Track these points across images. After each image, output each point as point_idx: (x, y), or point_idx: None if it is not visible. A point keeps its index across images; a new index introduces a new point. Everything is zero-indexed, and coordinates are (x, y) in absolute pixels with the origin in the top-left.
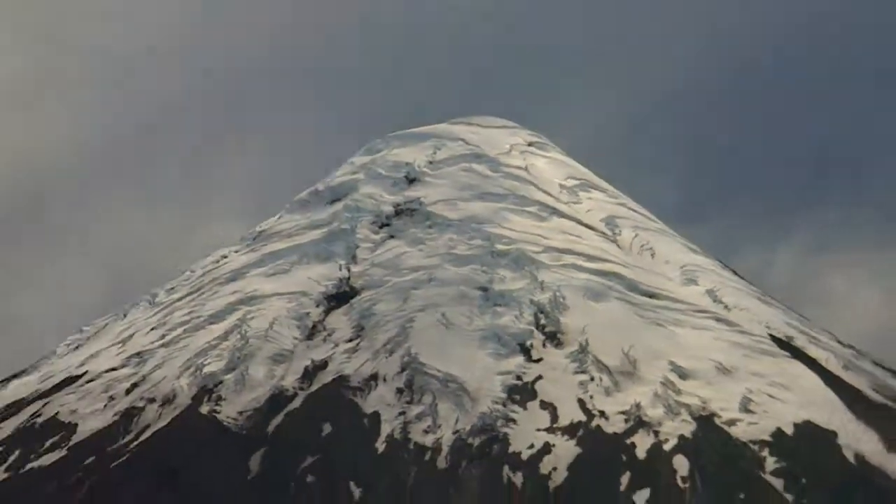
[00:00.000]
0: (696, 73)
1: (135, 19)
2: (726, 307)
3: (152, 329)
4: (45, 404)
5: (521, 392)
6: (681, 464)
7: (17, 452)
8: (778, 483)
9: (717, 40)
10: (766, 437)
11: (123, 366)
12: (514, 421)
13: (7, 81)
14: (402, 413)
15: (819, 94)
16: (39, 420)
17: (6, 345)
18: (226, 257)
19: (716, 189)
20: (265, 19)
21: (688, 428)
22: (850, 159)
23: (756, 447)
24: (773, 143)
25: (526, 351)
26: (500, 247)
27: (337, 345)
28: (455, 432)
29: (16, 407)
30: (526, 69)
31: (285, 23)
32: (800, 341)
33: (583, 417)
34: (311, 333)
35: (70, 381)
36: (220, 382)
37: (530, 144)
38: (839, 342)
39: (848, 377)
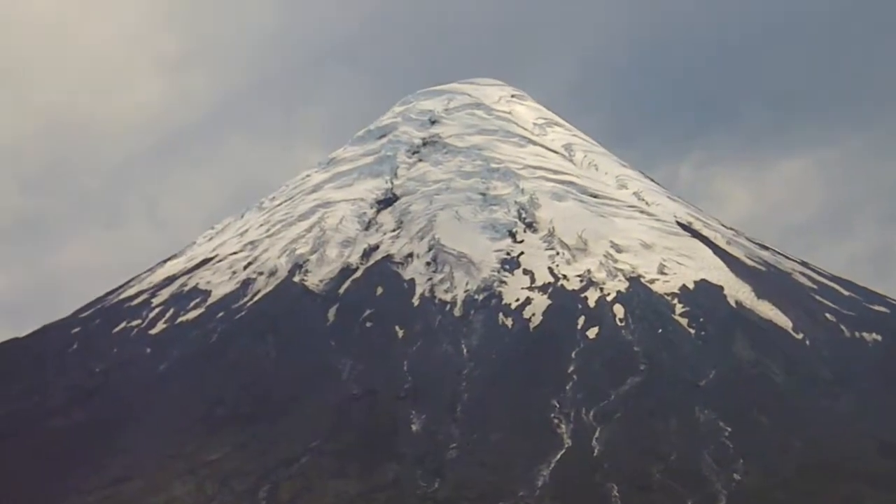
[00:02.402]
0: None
1: None
2: (646, 203)
3: (261, 225)
4: (189, 277)
5: (510, 263)
6: (619, 310)
7: (171, 310)
8: (684, 321)
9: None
10: (676, 291)
11: (241, 250)
12: (505, 283)
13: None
14: (430, 279)
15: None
16: (185, 288)
17: (162, 238)
18: (308, 176)
19: (637, 124)
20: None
21: (623, 285)
22: (724, 99)
23: (669, 297)
24: (676, 90)
25: (513, 235)
26: (493, 165)
27: (385, 234)
28: (466, 291)
29: (169, 279)
30: (509, 41)
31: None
32: (696, 225)
33: (551, 279)
34: (368, 226)
35: (206, 261)
36: (307, 260)
37: (513, 96)
38: (723, 225)
39: (730, 249)
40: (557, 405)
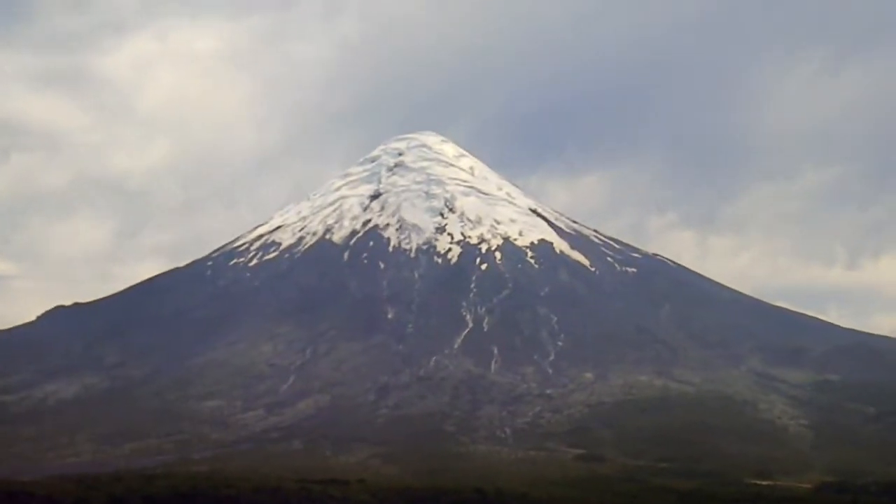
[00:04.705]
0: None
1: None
2: (512, 198)
3: (309, 207)
4: (270, 235)
5: (440, 229)
6: (497, 254)
7: (260, 252)
8: (532, 261)
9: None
10: (527, 244)
11: (298, 221)
12: (437, 240)
13: None
14: (398, 237)
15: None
16: (268, 241)
17: (256, 213)
18: (333, 182)
19: (508, 155)
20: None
21: (500, 241)
22: (553, 140)
23: (524, 248)
24: (526, 136)
25: (441, 214)
26: (432, 177)
27: (374, 213)
28: (416, 244)
29: (260, 236)
30: (440, 108)
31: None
32: (539, 210)
33: (461, 238)
34: (365, 209)
35: (279, 227)
36: (332, 227)
37: (442, 141)
38: (554, 210)
39: (557, 223)
40: (465, 304)
